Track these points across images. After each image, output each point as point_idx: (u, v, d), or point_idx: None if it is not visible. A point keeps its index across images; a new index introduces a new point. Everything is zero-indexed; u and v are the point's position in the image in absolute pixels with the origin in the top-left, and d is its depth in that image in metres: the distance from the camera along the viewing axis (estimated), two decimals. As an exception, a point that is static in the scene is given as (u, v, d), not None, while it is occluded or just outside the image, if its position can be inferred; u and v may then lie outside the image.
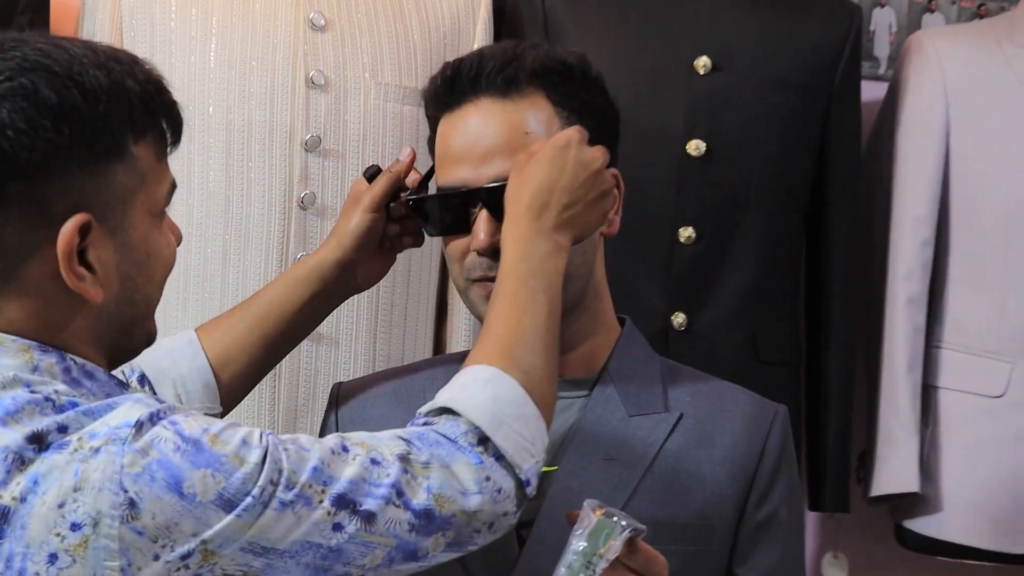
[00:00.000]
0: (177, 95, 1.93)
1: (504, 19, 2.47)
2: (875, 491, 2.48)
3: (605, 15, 2.39)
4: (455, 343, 2.36)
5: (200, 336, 1.65)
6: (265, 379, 2.08)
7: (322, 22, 2.22)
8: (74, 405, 1.23)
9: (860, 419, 2.57)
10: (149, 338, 1.40)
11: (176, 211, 2.13)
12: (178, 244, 1.43)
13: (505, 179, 1.51)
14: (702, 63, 2.31)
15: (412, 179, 1.67)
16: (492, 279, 1.52)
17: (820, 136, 2.43)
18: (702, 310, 2.33)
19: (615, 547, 1.37)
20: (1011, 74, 2.49)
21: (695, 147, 2.30)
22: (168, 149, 1.37)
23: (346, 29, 2.27)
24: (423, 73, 2.25)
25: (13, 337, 1.25)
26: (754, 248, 2.36)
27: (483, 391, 1.35)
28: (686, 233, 2.30)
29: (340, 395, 1.78)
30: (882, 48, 2.85)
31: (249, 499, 1.20)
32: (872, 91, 2.64)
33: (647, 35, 2.38)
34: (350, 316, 2.29)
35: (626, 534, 1.37)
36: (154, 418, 1.21)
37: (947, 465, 2.50)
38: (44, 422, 1.21)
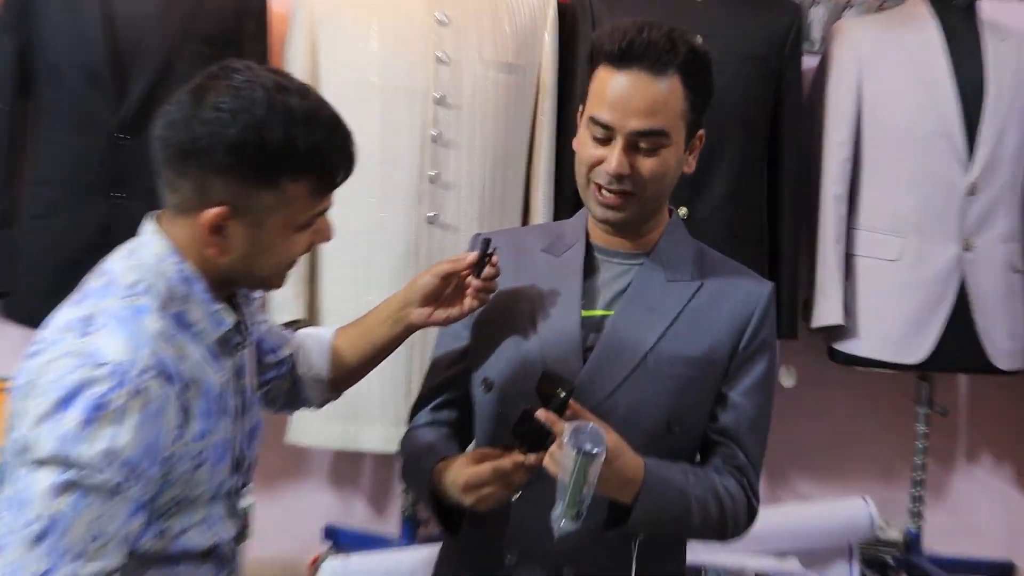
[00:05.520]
0: (348, 72, 2.19)
1: (565, 14, 2.72)
2: (814, 324, 2.85)
3: (631, 10, 2.54)
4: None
5: (335, 335, 1.79)
6: (412, 258, 2.50)
7: (444, 19, 2.52)
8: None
9: (805, 278, 2.88)
10: (256, 289, 1.56)
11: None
12: (323, 241, 1.49)
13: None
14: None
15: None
16: (610, 191, 1.61)
17: (776, 92, 2.75)
18: (698, 206, 2.66)
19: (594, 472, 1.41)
20: (900, 46, 2.83)
21: (694, 103, 2.50)
22: (328, 190, 1.43)
23: (460, 23, 2.54)
24: (512, 51, 2.58)
25: (170, 242, 1.42)
26: (732, 166, 2.67)
27: None
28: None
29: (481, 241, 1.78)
30: (816, 32, 3.09)
31: None
32: (809, 62, 2.93)
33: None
34: (466, 210, 2.55)
35: (601, 455, 1.41)
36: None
37: (862, 306, 2.84)
38: None
